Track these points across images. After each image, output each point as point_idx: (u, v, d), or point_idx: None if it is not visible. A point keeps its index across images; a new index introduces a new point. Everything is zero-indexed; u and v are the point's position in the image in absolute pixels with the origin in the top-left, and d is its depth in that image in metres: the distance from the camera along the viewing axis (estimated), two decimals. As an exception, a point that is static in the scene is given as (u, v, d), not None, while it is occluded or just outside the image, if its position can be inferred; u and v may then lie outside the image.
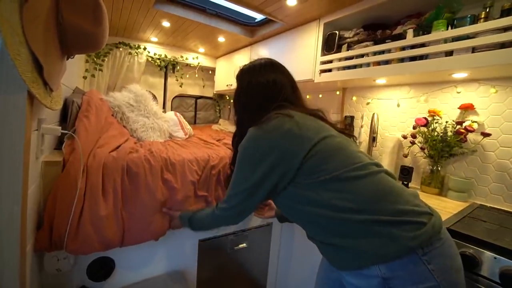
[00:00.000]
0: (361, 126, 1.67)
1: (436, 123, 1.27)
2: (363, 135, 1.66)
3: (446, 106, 1.29)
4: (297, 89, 0.84)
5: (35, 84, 0.55)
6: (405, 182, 1.35)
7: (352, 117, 1.70)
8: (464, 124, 1.18)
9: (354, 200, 0.60)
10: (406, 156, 1.42)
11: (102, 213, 0.86)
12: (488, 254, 0.74)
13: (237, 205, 0.74)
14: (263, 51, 2.11)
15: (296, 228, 1.43)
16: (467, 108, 1.20)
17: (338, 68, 1.46)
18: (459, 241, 0.79)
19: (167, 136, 1.70)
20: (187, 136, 1.83)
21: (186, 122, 2.01)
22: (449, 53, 1.01)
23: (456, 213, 1.00)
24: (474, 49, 0.93)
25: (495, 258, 0.72)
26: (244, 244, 1.37)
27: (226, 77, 2.68)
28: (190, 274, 1.24)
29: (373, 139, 1.47)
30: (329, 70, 1.51)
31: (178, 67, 2.76)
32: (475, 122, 1.17)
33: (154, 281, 1.10)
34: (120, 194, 0.92)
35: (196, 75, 2.90)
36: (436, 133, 1.26)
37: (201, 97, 3.10)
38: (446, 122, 1.24)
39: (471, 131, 1.15)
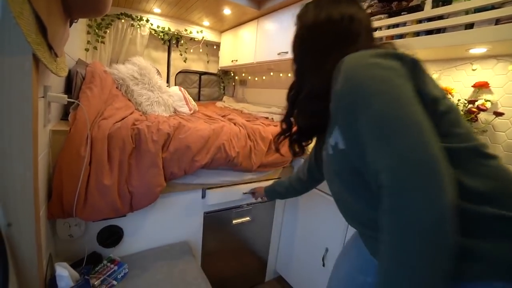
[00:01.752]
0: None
1: (447, 102, 1.24)
2: (371, 114, 1.63)
3: (459, 84, 1.25)
4: (372, 37, 0.62)
5: (40, 47, 0.54)
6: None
7: (360, 95, 1.66)
8: (476, 103, 1.15)
9: (486, 184, 0.42)
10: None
11: (108, 181, 0.88)
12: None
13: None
14: (270, 25, 2.03)
15: (300, 203, 1.45)
16: (481, 86, 1.16)
17: (349, 43, 1.40)
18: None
19: (172, 111, 1.69)
20: (192, 111, 1.81)
21: (191, 98, 1.98)
22: (469, 26, 0.96)
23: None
24: (498, 21, 0.88)
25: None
26: (248, 218, 1.40)
27: (231, 52, 2.60)
28: (196, 245, 1.28)
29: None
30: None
31: (182, 41, 2.68)
32: (489, 101, 1.14)
33: (161, 250, 1.14)
34: (126, 163, 0.93)
35: (201, 50, 2.82)
36: (446, 112, 1.23)
37: (205, 73, 3.04)
38: (458, 100, 1.21)
39: (484, 110, 1.12)
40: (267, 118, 1.87)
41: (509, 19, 0.85)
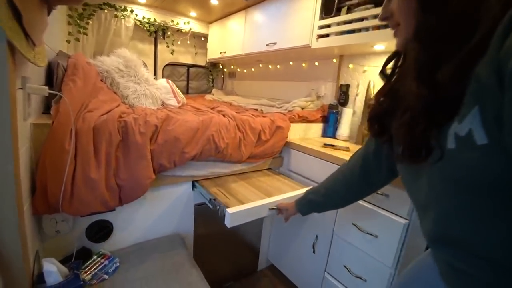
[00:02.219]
0: (356, 95, 1.66)
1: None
2: (358, 104, 1.65)
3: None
4: None
5: (15, 34, 0.51)
6: (397, 150, 1.38)
7: (347, 86, 1.68)
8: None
9: None
10: (399, 124, 1.44)
11: (95, 175, 0.86)
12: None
13: None
14: (258, 16, 2.01)
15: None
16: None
17: (336, 33, 1.41)
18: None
19: (160, 104, 1.66)
20: (180, 104, 1.79)
21: (179, 91, 1.95)
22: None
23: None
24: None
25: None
26: (239, 209, 1.41)
27: (219, 44, 2.56)
28: (187, 237, 1.28)
29: (368, 106, 1.47)
30: (327, 35, 1.45)
31: (169, 33, 2.62)
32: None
33: (152, 243, 1.14)
34: (113, 156, 0.91)
35: (188, 42, 2.76)
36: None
37: (193, 65, 2.99)
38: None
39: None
40: (256, 110, 1.86)
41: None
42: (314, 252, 1.30)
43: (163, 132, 1.04)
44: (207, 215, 1.32)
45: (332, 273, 1.24)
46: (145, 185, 0.97)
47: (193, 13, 2.55)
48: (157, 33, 2.58)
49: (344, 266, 1.16)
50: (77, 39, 2.06)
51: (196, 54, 2.92)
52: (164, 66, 2.79)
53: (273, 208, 1.04)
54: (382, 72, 0.51)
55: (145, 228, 1.15)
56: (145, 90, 1.54)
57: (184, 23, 2.63)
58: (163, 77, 2.75)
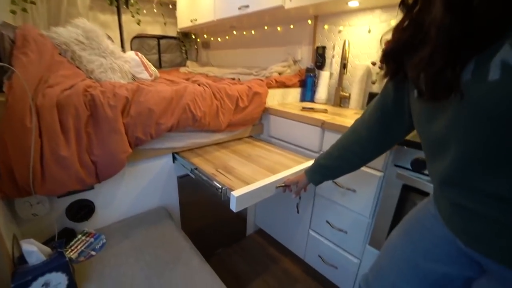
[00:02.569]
0: (333, 56, 1.64)
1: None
2: (335, 66, 1.64)
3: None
4: None
5: None
6: (373, 109, 1.42)
7: (324, 48, 1.66)
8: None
9: None
10: (374, 83, 1.46)
11: (66, 152, 0.82)
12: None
13: None
14: (227, -24, 1.86)
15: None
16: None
17: (310, -10, 1.35)
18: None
19: (130, 78, 1.56)
20: (153, 77, 1.69)
21: (150, 64, 1.84)
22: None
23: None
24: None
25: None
26: (223, 179, 1.42)
27: (189, 11, 2.39)
28: (173, 209, 1.29)
29: (343, 65, 1.47)
30: (301, -7, 1.39)
31: (132, 0, 2.39)
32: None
33: (137, 217, 1.14)
34: (83, 131, 0.86)
35: (155, 10, 2.56)
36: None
37: (163, 37, 2.80)
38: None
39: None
40: (233, 79, 1.81)
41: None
42: (298, 212, 1.36)
43: (135, 104, 0.99)
44: (192, 186, 1.33)
45: (316, 229, 1.31)
46: (122, 160, 0.94)
47: (156, -23, 2.33)
48: (119, 1, 2.35)
49: (327, 221, 1.23)
50: (25, 9, 1.83)
51: (165, 24, 2.72)
52: (132, 39, 2.59)
53: (280, 186, 0.95)
54: (403, 3, 0.45)
55: (129, 204, 1.14)
56: (112, 63, 1.43)
57: (148, -11, 2.40)
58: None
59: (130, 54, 1.71)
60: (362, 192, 1.06)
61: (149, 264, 0.89)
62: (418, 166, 0.86)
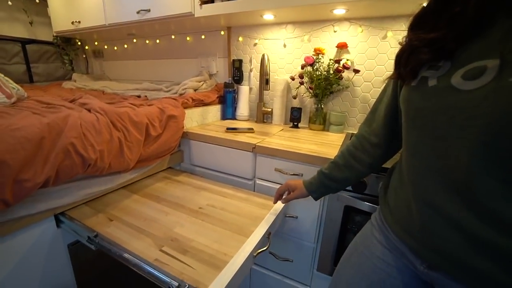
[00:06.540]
0: (250, 70, 1.57)
1: (318, 62, 1.32)
2: (253, 80, 1.58)
3: (326, 45, 1.34)
4: None
5: None
6: (295, 123, 1.41)
7: (240, 61, 1.56)
8: (341, 62, 1.27)
9: None
10: (295, 98, 1.46)
11: None
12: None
13: None
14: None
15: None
16: (342, 47, 1.28)
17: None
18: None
19: (-31, 103, 1.04)
20: (13, 99, 1.20)
21: (9, 79, 1.32)
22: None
23: (340, 145, 1.11)
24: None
25: (376, 177, 0.83)
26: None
27: (68, 9, 1.87)
28: None
29: (266, 81, 1.40)
30: (212, 1, 1.24)
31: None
32: (349, 60, 1.28)
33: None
34: None
35: (10, 3, 1.89)
36: (319, 73, 1.31)
37: (32, 41, 2.13)
38: (330, 60, 1.30)
39: (347, 68, 1.26)
40: (139, 96, 1.50)
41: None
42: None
43: (-32, 154, 0.60)
44: (90, 253, 0.97)
45: (258, 262, 1.18)
46: None
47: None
48: None
49: (270, 252, 1.11)
50: None
51: (31, 23, 2.07)
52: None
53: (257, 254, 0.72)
54: None
55: None
56: None
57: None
58: (-23, 60, 1.83)
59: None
60: (304, 217, 1.00)
61: None
62: (358, 188, 0.84)
